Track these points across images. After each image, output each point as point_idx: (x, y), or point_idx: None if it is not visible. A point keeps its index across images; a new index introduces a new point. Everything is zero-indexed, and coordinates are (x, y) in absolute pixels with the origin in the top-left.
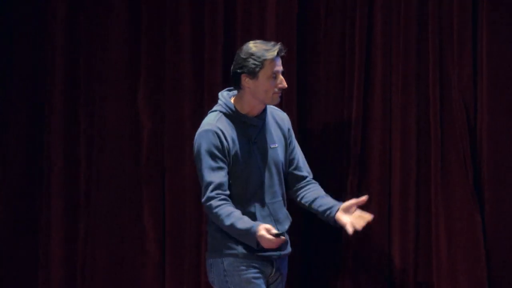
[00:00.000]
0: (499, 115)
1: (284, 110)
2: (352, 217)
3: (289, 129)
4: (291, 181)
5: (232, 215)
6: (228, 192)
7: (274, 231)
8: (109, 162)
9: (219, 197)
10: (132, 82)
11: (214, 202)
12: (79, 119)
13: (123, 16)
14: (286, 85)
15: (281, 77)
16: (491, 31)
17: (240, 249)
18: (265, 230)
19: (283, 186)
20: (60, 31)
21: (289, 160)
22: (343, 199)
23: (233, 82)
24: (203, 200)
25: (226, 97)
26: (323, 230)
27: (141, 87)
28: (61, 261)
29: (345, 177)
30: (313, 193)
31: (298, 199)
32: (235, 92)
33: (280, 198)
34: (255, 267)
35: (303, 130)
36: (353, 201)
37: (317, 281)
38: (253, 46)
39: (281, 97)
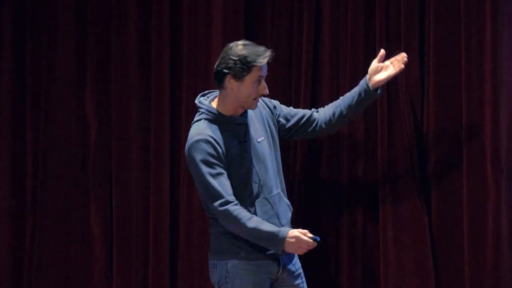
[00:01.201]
0: (446, 116)
1: None
2: (388, 69)
3: (275, 106)
4: (310, 128)
5: (253, 219)
6: (234, 199)
7: (310, 234)
8: (56, 164)
9: (234, 201)
10: (79, 83)
11: (231, 207)
12: (26, 121)
13: (69, 17)
14: (268, 92)
15: (264, 83)
16: (438, 31)
17: (244, 251)
18: (300, 232)
19: (281, 177)
20: (6, 32)
21: (288, 118)
22: (291, 201)
23: (216, 79)
24: (215, 205)
25: (206, 103)
26: None
27: (88, 88)
28: (9, 265)
29: (292, 179)
30: (332, 107)
31: (332, 122)
32: (213, 95)
33: (279, 190)
34: (260, 270)
35: None
36: (375, 63)
37: None
38: (244, 48)
39: None
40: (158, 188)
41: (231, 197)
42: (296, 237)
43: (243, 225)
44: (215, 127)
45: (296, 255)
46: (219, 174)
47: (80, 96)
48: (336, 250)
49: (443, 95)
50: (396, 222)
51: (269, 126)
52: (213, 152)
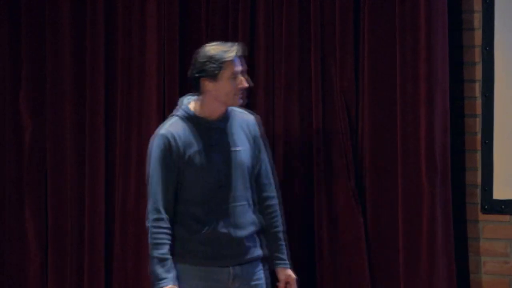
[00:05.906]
0: (380, 116)
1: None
2: None
3: (255, 136)
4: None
5: (159, 250)
6: (166, 216)
7: None
8: None
9: (158, 223)
10: (13, 84)
11: (152, 229)
12: None
13: (3, 18)
14: (247, 85)
15: (241, 77)
16: (372, 32)
17: (192, 256)
18: None
19: (251, 190)
20: None
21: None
22: None
23: (193, 87)
24: (147, 213)
25: (185, 102)
26: None
27: (22, 89)
28: None
29: None
30: (269, 232)
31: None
32: (195, 97)
33: (244, 202)
34: (208, 276)
35: None
36: None
37: None
38: (211, 49)
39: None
40: (93, 189)
41: (158, 217)
42: None
43: (150, 249)
44: (184, 125)
45: (260, 265)
46: (167, 178)
47: (15, 97)
48: None
49: (377, 95)
50: (331, 222)
51: (249, 141)
52: (168, 149)
